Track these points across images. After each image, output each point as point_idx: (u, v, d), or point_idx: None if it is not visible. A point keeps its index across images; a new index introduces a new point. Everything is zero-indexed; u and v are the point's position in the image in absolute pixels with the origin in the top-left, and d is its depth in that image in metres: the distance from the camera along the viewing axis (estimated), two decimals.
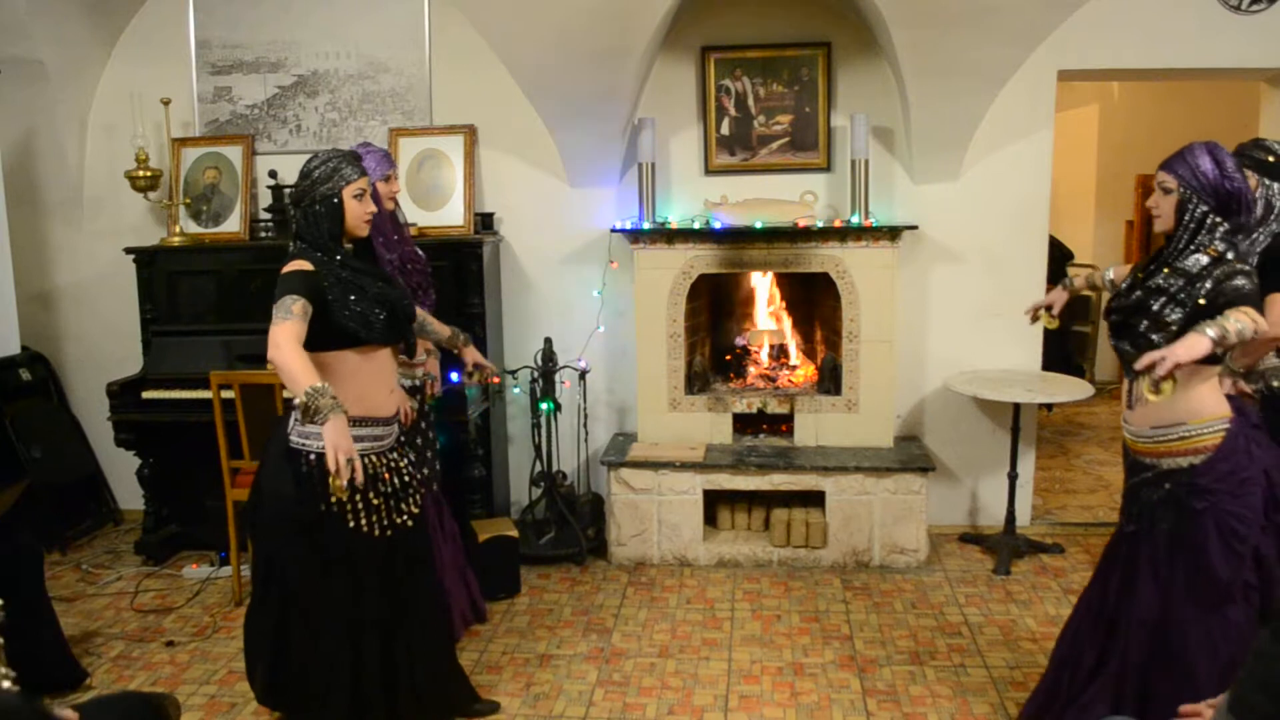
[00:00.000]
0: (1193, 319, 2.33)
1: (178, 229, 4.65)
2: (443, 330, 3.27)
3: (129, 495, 4.92)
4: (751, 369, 4.76)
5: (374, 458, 2.64)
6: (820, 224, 4.32)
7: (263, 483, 2.65)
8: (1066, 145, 6.42)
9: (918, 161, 4.48)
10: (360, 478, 2.26)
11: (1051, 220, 4.59)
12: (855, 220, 4.33)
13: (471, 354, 3.34)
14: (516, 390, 4.66)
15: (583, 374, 4.53)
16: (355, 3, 4.66)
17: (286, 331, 2.36)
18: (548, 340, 4.40)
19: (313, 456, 2.54)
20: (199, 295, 4.52)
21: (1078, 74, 4.49)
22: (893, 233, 4.31)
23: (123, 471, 4.87)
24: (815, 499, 4.31)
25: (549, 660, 3.46)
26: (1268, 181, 3.27)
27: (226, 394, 3.77)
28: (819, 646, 3.53)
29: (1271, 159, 3.21)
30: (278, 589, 2.64)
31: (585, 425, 4.62)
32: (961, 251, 4.56)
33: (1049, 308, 3.13)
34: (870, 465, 4.21)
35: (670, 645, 3.57)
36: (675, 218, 4.59)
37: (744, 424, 4.61)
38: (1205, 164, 2.35)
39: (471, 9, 4.36)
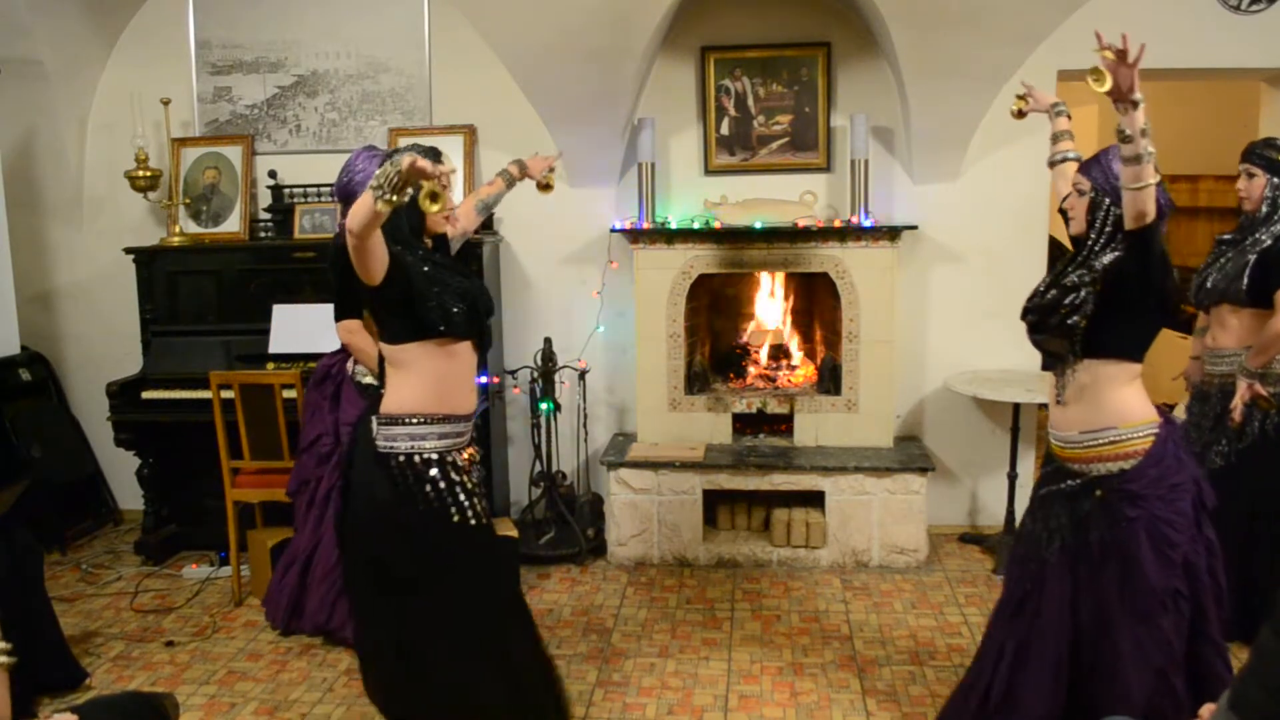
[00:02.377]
0: (1097, 303, 2.35)
1: (178, 229, 4.65)
2: (497, 185, 3.22)
3: (129, 495, 4.92)
4: (751, 369, 4.76)
5: (456, 454, 2.60)
6: (819, 224, 4.32)
7: (356, 489, 2.61)
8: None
9: (918, 161, 4.48)
10: (450, 165, 2.21)
11: (1051, 220, 4.59)
12: (855, 220, 4.33)
13: (535, 164, 3.29)
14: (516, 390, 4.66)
15: (582, 374, 4.53)
16: (355, 3, 4.66)
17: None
18: (547, 340, 4.40)
19: (401, 457, 2.52)
20: (199, 295, 4.52)
21: (1078, 74, 4.48)
22: (892, 233, 4.32)
23: (123, 471, 4.86)
24: (815, 499, 4.31)
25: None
26: (1276, 180, 3.27)
27: (226, 394, 3.77)
28: (819, 646, 3.53)
29: None
30: (393, 596, 2.57)
31: (585, 425, 4.62)
32: (961, 251, 4.56)
33: (1028, 99, 2.99)
34: (870, 465, 4.21)
35: (670, 645, 3.57)
36: (675, 218, 4.59)
37: (744, 424, 4.61)
38: (1119, 166, 2.32)
39: (471, 9, 4.36)
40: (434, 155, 2.63)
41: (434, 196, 2.19)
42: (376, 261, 2.39)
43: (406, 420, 2.53)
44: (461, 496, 2.56)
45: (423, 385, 2.53)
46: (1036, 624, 2.55)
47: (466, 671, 2.59)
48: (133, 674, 3.44)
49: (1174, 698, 2.39)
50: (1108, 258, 2.38)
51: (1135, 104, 2.14)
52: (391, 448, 2.53)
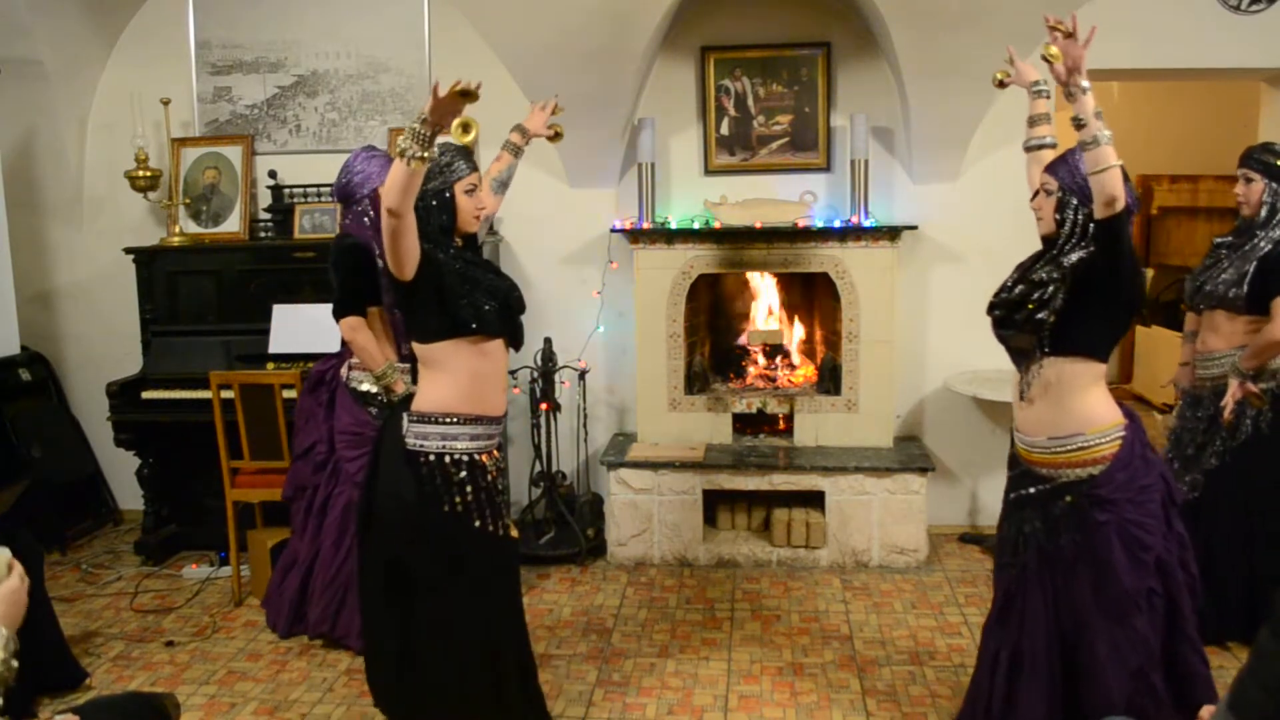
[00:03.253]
0: (1066, 299, 2.36)
1: (177, 229, 4.65)
2: (504, 159, 3.19)
3: (129, 495, 4.92)
4: (751, 369, 4.76)
5: (486, 456, 2.60)
6: (819, 224, 4.32)
7: (380, 487, 2.60)
8: (1067, 145, 6.42)
9: (918, 161, 4.48)
10: (473, 84, 2.21)
11: None
12: (855, 220, 4.33)
13: (534, 121, 3.20)
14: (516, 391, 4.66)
15: (582, 374, 4.53)
16: (355, 3, 4.66)
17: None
18: (547, 340, 4.40)
19: (431, 456, 2.52)
20: (199, 295, 4.52)
21: None
22: (892, 233, 4.32)
23: (123, 471, 4.86)
24: (815, 499, 4.31)
25: (549, 660, 3.46)
26: (1274, 185, 3.26)
27: (226, 394, 3.77)
28: (819, 646, 3.53)
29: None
30: (404, 596, 2.57)
31: (585, 425, 4.62)
32: (961, 251, 4.56)
33: (1011, 69, 2.93)
34: (870, 465, 4.21)
35: (670, 645, 3.57)
36: (675, 218, 4.59)
37: (744, 424, 4.61)
38: (1085, 166, 2.30)
39: (471, 9, 4.36)
40: (466, 154, 2.63)
41: (466, 127, 2.19)
42: (411, 248, 2.38)
43: (440, 419, 2.52)
44: (486, 504, 2.56)
45: (456, 384, 2.52)
46: (1024, 628, 2.56)
47: (459, 673, 2.59)
48: (133, 674, 3.44)
49: (1154, 696, 2.39)
50: (1075, 256, 2.38)
51: (1083, 89, 2.19)
52: (422, 446, 2.52)
